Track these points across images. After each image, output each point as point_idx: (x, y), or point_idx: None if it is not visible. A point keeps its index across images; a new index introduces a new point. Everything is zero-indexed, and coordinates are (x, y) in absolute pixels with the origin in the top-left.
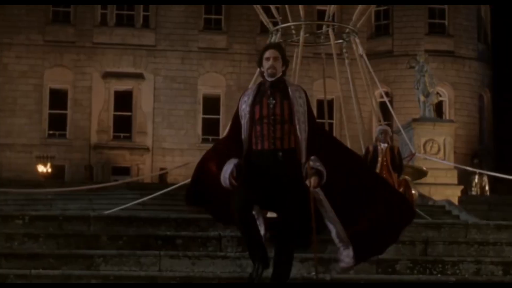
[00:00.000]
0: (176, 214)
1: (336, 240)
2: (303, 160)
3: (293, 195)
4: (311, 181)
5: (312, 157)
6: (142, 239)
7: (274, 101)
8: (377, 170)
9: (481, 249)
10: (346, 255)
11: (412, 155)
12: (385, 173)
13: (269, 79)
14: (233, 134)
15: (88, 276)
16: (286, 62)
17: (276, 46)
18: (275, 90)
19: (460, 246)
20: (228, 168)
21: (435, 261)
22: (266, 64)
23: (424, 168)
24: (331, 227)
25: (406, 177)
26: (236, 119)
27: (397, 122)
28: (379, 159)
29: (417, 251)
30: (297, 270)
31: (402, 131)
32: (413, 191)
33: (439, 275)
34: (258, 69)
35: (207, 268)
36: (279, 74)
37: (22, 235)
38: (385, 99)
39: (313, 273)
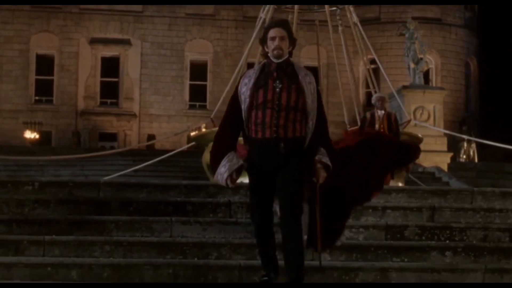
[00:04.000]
0: (186, 181)
1: None
2: (309, 148)
3: (295, 182)
4: (319, 177)
5: (321, 150)
6: (153, 205)
7: (280, 85)
8: None
9: (488, 216)
10: None
11: (408, 122)
12: None
13: (275, 61)
14: (231, 119)
15: (101, 242)
16: (293, 42)
17: (282, 24)
18: (282, 73)
19: (467, 213)
20: (226, 169)
21: (442, 228)
22: (271, 45)
23: (420, 136)
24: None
25: None
26: (233, 104)
27: (392, 87)
28: (376, 126)
29: (424, 217)
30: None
31: (397, 97)
32: None
33: (447, 241)
34: (261, 49)
35: (219, 233)
36: (286, 56)
37: (32, 201)
38: (379, 65)
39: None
